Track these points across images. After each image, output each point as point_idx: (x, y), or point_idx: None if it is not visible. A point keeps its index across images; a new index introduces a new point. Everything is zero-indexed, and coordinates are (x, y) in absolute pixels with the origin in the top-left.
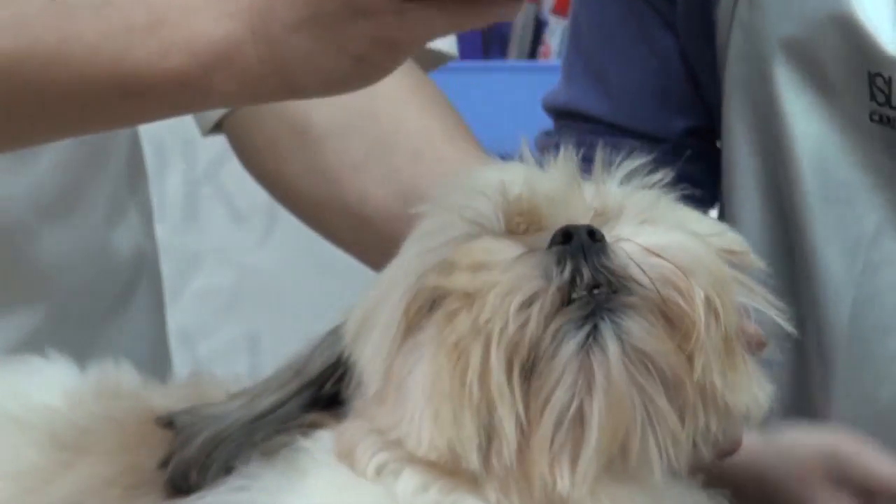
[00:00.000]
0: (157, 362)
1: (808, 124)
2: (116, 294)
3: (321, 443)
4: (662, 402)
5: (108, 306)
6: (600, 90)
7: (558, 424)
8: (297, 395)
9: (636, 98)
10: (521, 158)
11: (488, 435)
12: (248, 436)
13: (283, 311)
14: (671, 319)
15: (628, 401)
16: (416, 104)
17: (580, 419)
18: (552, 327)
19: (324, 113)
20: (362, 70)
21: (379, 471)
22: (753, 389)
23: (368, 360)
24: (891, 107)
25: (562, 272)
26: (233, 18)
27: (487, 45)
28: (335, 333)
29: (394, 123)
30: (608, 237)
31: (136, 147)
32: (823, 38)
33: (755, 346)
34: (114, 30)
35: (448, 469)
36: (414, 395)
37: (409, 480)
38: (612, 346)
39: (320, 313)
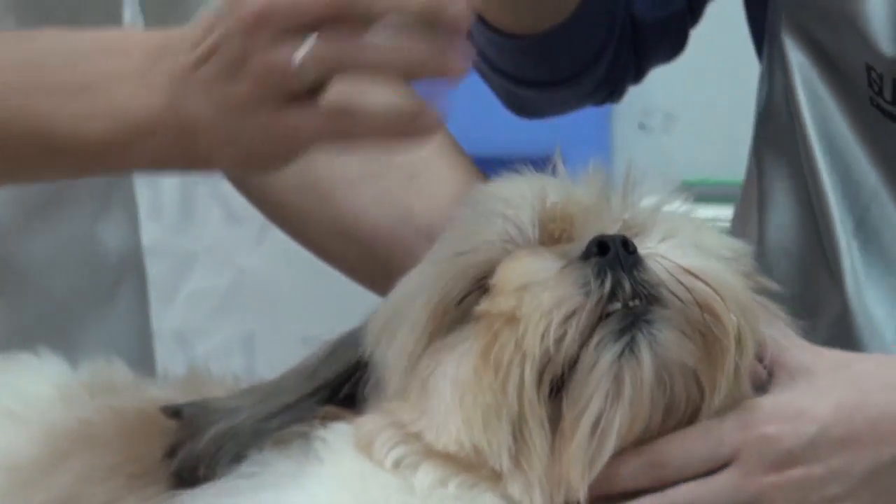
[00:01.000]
0: (141, 361)
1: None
2: (101, 292)
3: (339, 433)
4: (678, 416)
5: (92, 305)
6: None
7: (592, 433)
8: (312, 396)
9: None
10: (555, 168)
11: (518, 441)
12: (261, 429)
13: (278, 312)
14: (704, 341)
15: (649, 413)
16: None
17: (608, 428)
18: (592, 341)
19: None
20: (277, 153)
21: (397, 463)
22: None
23: (392, 359)
24: (883, 98)
25: (601, 285)
26: (155, 91)
27: None
28: (353, 336)
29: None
30: (640, 250)
31: None
32: (823, 21)
33: (754, 382)
34: (42, 89)
35: (467, 464)
36: (441, 394)
37: (427, 474)
38: (647, 358)
39: (315, 314)
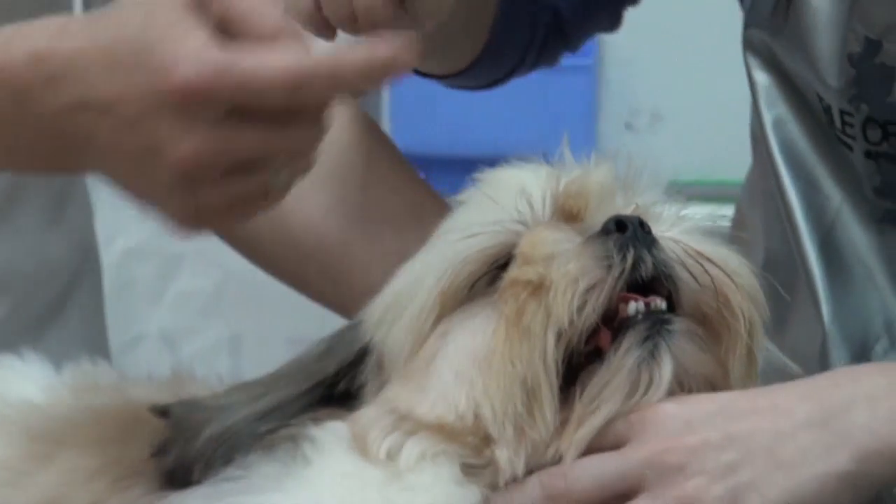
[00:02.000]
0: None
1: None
2: (56, 295)
3: (331, 432)
4: None
5: (47, 308)
6: None
7: (601, 427)
8: (309, 393)
9: None
10: (562, 157)
11: (528, 410)
12: (255, 430)
13: (265, 313)
14: (714, 328)
15: None
16: (361, 134)
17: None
18: (623, 345)
19: None
20: (202, 224)
21: (389, 453)
22: None
23: (395, 343)
24: (834, 126)
25: (623, 259)
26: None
27: None
28: (349, 331)
29: (340, 154)
30: (654, 232)
31: None
32: (781, 44)
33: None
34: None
35: (451, 434)
36: (450, 368)
37: (412, 449)
38: (667, 369)
39: (301, 315)
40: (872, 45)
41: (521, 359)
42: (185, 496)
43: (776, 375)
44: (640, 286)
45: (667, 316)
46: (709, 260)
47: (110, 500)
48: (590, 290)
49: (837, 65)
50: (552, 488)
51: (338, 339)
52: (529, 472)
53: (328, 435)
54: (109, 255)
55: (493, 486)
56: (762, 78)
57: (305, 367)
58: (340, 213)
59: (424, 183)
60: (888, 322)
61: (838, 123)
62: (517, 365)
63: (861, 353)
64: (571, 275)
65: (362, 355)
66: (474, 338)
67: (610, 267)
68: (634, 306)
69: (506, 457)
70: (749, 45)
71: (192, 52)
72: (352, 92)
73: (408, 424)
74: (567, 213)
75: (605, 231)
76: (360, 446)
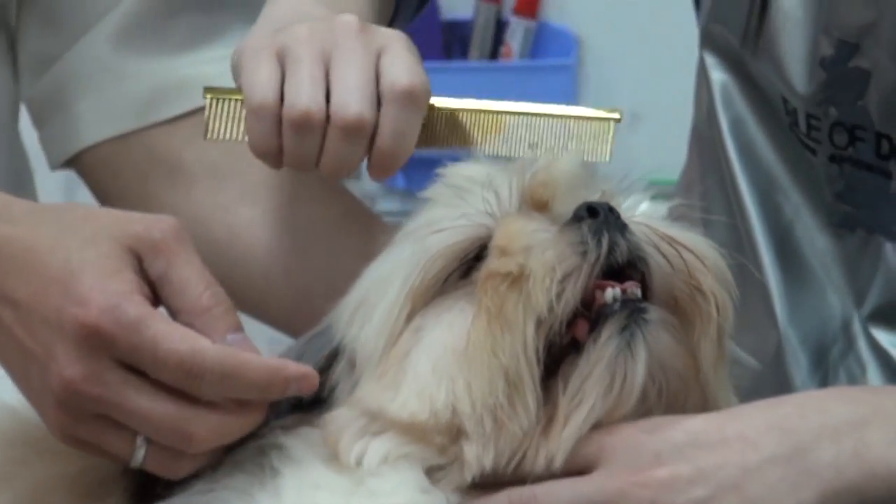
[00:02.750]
0: None
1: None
2: None
3: (301, 439)
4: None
5: None
6: None
7: (584, 420)
8: (278, 403)
9: None
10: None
11: (509, 402)
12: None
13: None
14: (686, 313)
15: (635, 408)
16: None
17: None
18: (602, 336)
19: (196, 153)
20: (74, 445)
21: (358, 458)
22: (728, 388)
23: (367, 341)
24: (798, 129)
25: (598, 244)
26: None
27: (448, 45)
28: (318, 338)
29: (268, 169)
30: (624, 218)
31: (17, 150)
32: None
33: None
34: None
35: (418, 435)
36: (426, 363)
37: (377, 450)
38: (641, 361)
39: None
40: (847, 48)
41: (504, 350)
42: None
43: (732, 368)
44: (615, 272)
45: (643, 304)
46: (679, 244)
47: None
48: (567, 277)
49: (807, 69)
50: None
51: (305, 346)
52: (519, 479)
53: (299, 443)
54: None
55: (460, 489)
56: (720, 77)
57: None
58: (268, 224)
59: (353, 195)
60: (845, 324)
61: (803, 127)
62: (500, 356)
63: (819, 357)
64: (549, 263)
65: (332, 359)
66: (451, 331)
67: (585, 253)
68: (611, 293)
69: (474, 452)
70: (707, 44)
71: (110, 297)
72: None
73: (376, 424)
74: (535, 203)
75: (577, 218)
76: (332, 451)
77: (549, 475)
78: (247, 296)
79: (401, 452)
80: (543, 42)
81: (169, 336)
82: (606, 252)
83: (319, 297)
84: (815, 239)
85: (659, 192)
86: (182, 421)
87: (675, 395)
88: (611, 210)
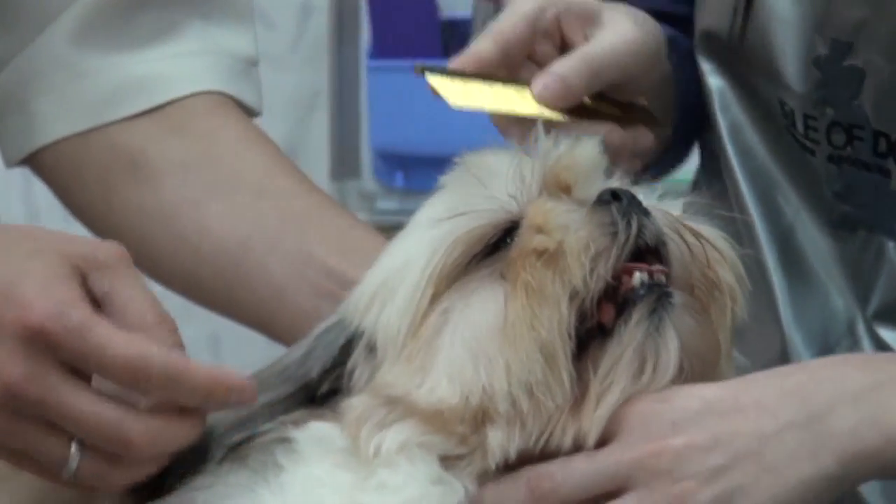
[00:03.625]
0: None
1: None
2: None
3: (310, 433)
4: None
5: None
6: None
7: (616, 400)
8: (291, 397)
9: None
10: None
11: (545, 380)
12: (227, 438)
13: None
14: (702, 302)
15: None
16: (256, 145)
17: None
18: (633, 317)
19: (159, 149)
20: (7, 456)
21: (377, 448)
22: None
23: (391, 323)
24: (796, 130)
25: (628, 226)
26: None
27: (447, 44)
28: (331, 332)
29: (236, 163)
30: (651, 206)
31: None
32: (735, 53)
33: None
34: None
35: (440, 424)
36: (458, 345)
37: (395, 437)
38: (673, 344)
39: None
40: (841, 48)
41: (542, 323)
42: None
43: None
44: (638, 257)
45: (668, 289)
46: (699, 234)
47: None
48: (598, 256)
49: (802, 69)
50: (539, 488)
51: (319, 340)
52: (533, 459)
53: (307, 437)
54: None
55: (479, 477)
56: (716, 82)
57: (287, 371)
58: (237, 218)
59: (321, 190)
60: (850, 324)
61: (801, 128)
62: (538, 329)
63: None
64: (583, 241)
65: (347, 349)
66: (485, 311)
67: (615, 234)
68: (639, 277)
69: (499, 439)
70: (701, 50)
71: (57, 302)
72: None
73: (397, 412)
74: (558, 187)
75: (603, 201)
76: (352, 439)
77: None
78: (218, 292)
79: (419, 441)
80: None
81: (116, 339)
82: (636, 233)
83: (291, 291)
84: (816, 240)
85: (669, 189)
86: (121, 424)
87: (698, 379)
88: (633, 196)
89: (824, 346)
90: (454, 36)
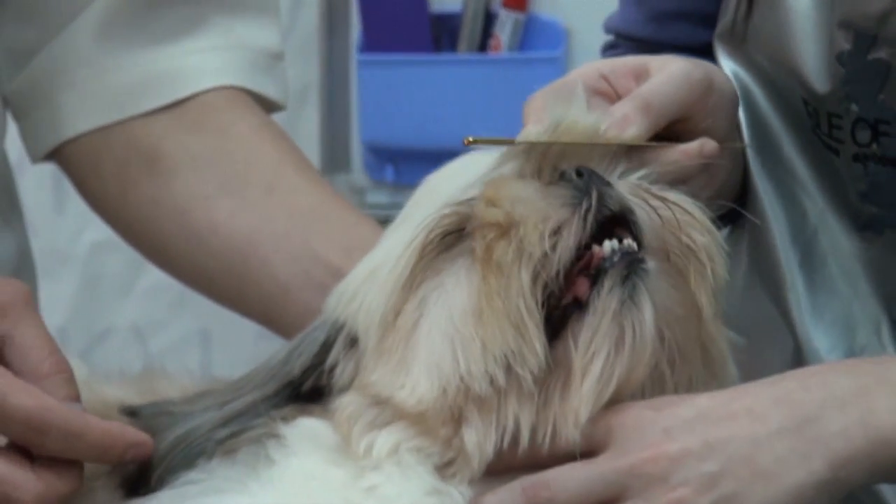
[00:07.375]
0: None
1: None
2: None
3: (300, 429)
4: (665, 366)
5: None
6: (644, 14)
7: (600, 378)
8: (276, 395)
9: (672, 19)
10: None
11: (517, 347)
12: (217, 435)
13: None
14: (679, 267)
15: (651, 363)
16: (269, 140)
17: (611, 375)
18: (604, 288)
19: (175, 144)
20: None
21: (368, 448)
22: (727, 354)
23: (369, 310)
24: (821, 130)
25: (588, 197)
26: None
27: (437, 38)
28: (315, 331)
29: (248, 159)
30: (618, 177)
31: None
32: (759, 51)
33: None
34: None
35: (425, 427)
36: (435, 332)
37: (385, 441)
38: (647, 309)
39: None
40: (865, 41)
41: (500, 293)
42: (148, 501)
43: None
44: (606, 231)
45: (640, 255)
46: (663, 198)
47: (75, 502)
48: (559, 230)
49: (825, 66)
50: (536, 497)
51: (302, 339)
52: (532, 466)
53: (297, 433)
54: (78, 249)
55: (472, 481)
56: (737, 77)
57: (271, 370)
58: (246, 215)
59: (328, 186)
60: (875, 331)
61: (825, 128)
62: (502, 300)
63: None
64: (540, 213)
65: (329, 346)
66: (458, 292)
67: (576, 206)
68: (609, 245)
69: (474, 439)
70: (722, 50)
71: None
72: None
73: (385, 414)
74: (541, 172)
75: (565, 178)
76: (344, 437)
77: (561, 460)
78: (227, 288)
79: (409, 445)
80: (532, 34)
81: (16, 390)
82: (597, 202)
83: (296, 289)
84: (841, 243)
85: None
86: (11, 480)
87: (683, 349)
88: (594, 171)
89: (849, 355)
90: (444, 30)
